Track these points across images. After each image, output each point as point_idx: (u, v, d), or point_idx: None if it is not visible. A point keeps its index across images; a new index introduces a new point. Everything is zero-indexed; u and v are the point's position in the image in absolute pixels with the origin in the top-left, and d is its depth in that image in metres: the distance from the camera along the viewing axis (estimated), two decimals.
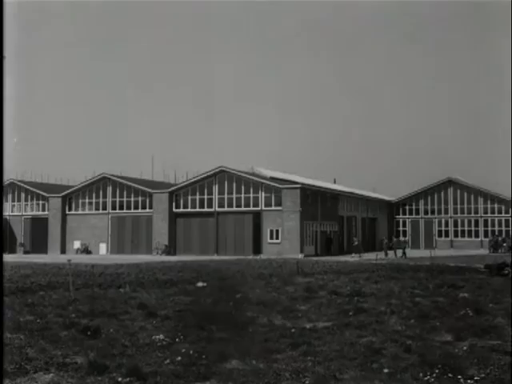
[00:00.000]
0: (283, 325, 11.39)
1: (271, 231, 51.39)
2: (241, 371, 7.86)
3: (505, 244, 57.36)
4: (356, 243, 51.95)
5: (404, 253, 46.54)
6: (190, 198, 54.72)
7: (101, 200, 58.04)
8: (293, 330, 10.72)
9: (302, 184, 53.86)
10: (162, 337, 9.91)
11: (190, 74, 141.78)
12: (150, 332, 10.53)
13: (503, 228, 67.66)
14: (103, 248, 56.53)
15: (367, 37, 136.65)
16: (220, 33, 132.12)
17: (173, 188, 55.82)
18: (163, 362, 8.34)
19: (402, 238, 53.60)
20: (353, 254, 49.29)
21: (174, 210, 54.96)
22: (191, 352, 8.85)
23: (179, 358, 8.48)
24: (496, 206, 68.99)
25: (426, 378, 7.44)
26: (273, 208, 51.55)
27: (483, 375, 7.60)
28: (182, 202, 55.07)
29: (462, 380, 7.40)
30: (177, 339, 9.83)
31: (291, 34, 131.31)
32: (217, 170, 53.42)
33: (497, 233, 65.91)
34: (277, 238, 51.07)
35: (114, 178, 57.64)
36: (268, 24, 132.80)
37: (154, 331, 10.59)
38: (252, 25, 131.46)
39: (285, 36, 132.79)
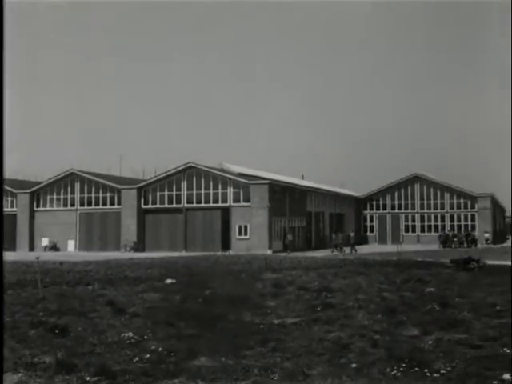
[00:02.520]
0: (252, 321, 11.42)
1: (240, 227, 51.39)
2: (210, 368, 7.87)
3: (455, 239, 58.17)
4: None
5: (353, 248, 47.14)
6: (158, 194, 54.46)
7: (69, 196, 57.41)
8: (261, 326, 10.75)
9: (271, 180, 53.99)
10: (130, 334, 9.86)
11: (159, 70, 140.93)
12: (118, 330, 10.46)
13: (469, 223, 68.68)
14: (71, 245, 55.93)
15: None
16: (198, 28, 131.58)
17: (141, 184, 55.46)
18: (132, 360, 8.31)
19: (351, 234, 53.71)
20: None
21: (143, 206, 54.66)
22: (160, 349, 8.83)
23: (148, 356, 8.46)
24: (462, 201, 69.97)
25: (392, 373, 7.53)
26: (241, 204, 51.56)
27: (449, 368, 7.72)
28: (150, 198, 54.79)
29: (428, 373, 7.50)
30: (145, 337, 9.80)
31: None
32: (185, 166, 53.23)
33: (449, 228, 66.83)
34: (245, 234, 51.11)
35: (82, 174, 57.06)
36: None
37: (122, 329, 10.53)
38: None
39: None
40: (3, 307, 7.22)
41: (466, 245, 57.54)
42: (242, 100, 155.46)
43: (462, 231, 64.28)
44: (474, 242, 58.23)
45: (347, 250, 46.42)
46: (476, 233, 65.87)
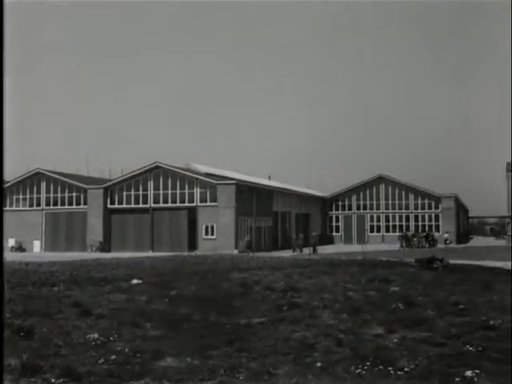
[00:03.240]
0: (218, 321, 11.40)
1: (206, 227, 51.30)
2: (176, 369, 7.85)
3: (415, 239, 58.85)
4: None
5: (314, 249, 47.47)
6: (125, 193, 54.08)
7: (35, 196, 56.68)
8: (228, 327, 10.75)
9: (237, 180, 53.99)
10: (96, 336, 9.79)
11: (126, 69, 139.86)
12: (84, 331, 10.37)
13: (433, 223, 69.62)
14: (37, 245, 55.19)
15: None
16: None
17: (107, 184, 54.99)
18: (97, 362, 8.25)
19: (313, 234, 54.02)
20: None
21: (109, 206, 54.23)
22: (126, 350, 8.78)
23: (114, 357, 8.41)
24: (426, 201, 70.89)
25: (357, 371, 7.61)
26: (208, 204, 51.47)
27: (413, 366, 7.83)
28: (116, 198, 54.38)
29: (392, 371, 7.59)
30: (111, 338, 9.73)
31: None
32: (152, 166, 52.97)
33: (409, 228, 67.62)
34: (212, 234, 51.04)
35: (48, 174, 56.37)
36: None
37: (88, 330, 10.44)
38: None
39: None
40: (3, 307, 7.11)
41: (425, 245, 58.10)
42: (210, 100, 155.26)
43: (427, 231, 65.02)
44: (434, 242, 58.89)
45: (307, 250, 46.55)
46: (440, 233, 66.78)
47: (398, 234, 64.63)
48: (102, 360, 8.31)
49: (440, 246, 57.24)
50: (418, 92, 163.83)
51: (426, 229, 68.19)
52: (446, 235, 64.40)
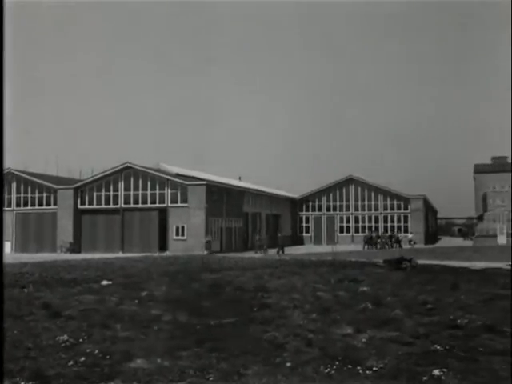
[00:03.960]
0: (188, 322, 11.39)
1: (177, 228, 51.16)
2: (145, 370, 7.83)
3: (379, 240, 59.39)
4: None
5: (281, 249, 47.68)
6: (95, 194, 53.69)
7: (5, 196, 55.89)
8: (198, 327, 10.74)
9: (208, 181, 53.92)
10: (65, 337, 9.71)
11: (97, 68, 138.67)
12: (54, 333, 10.27)
13: (402, 224, 70.33)
14: (7, 246, 54.41)
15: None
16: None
17: (78, 184, 54.52)
18: (67, 364, 8.18)
19: (278, 234, 54.25)
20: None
21: (80, 206, 53.76)
22: (96, 352, 8.73)
23: (83, 359, 8.36)
24: (395, 202, 71.57)
25: (326, 371, 7.66)
26: (179, 204, 51.34)
27: (381, 365, 7.91)
28: (87, 198, 53.94)
29: (361, 371, 7.66)
30: (81, 339, 9.66)
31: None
32: (122, 167, 52.65)
33: (373, 229, 68.26)
34: (182, 235, 50.90)
35: (18, 174, 55.71)
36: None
37: (57, 332, 10.35)
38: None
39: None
40: (3, 307, 7.03)
41: (390, 246, 58.57)
42: (180, 101, 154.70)
43: (391, 232, 65.65)
44: (398, 243, 59.45)
45: (269, 251, 46.73)
46: (409, 233, 67.47)
47: (361, 234, 65.18)
48: (71, 362, 8.25)
49: (405, 246, 57.73)
50: (388, 93, 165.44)
51: (395, 230, 68.88)
52: (411, 236, 65.07)
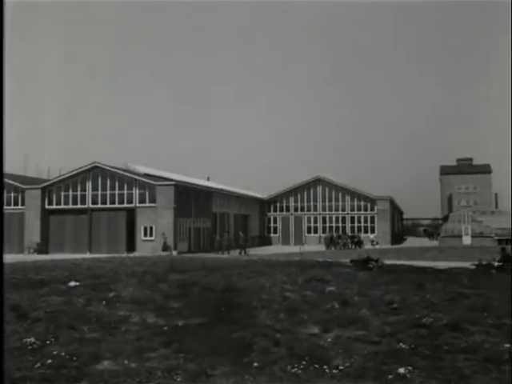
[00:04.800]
0: (156, 323, 11.37)
1: (145, 228, 50.91)
2: (112, 372, 7.80)
3: (340, 240, 59.87)
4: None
5: (243, 250, 47.85)
6: (63, 194, 53.12)
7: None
8: (165, 328, 10.72)
9: (176, 181, 53.76)
10: (32, 339, 9.62)
11: (64, 67, 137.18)
12: (20, 335, 10.16)
13: (368, 224, 70.96)
14: None
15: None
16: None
17: (45, 184, 53.87)
18: (34, 366, 8.11)
19: (240, 234, 54.35)
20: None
21: (47, 206, 53.14)
22: (62, 354, 8.67)
23: (50, 361, 8.29)
24: (362, 203, 72.18)
25: (293, 370, 7.72)
26: (147, 205, 51.09)
27: (348, 364, 7.99)
28: (55, 198, 53.35)
29: (327, 370, 7.73)
30: (48, 341, 9.58)
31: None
32: (90, 166, 52.20)
33: (334, 230, 68.88)
34: (151, 236, 50.67)
35: None
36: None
37: (24, 334, 10.24)
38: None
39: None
40: (3, 307, 6.92)
41: (352, 246, 59.05)
42: (147, 100, 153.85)
43: (352, 233, 66.28)
44: (360, 243, 59.97)
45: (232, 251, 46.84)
46: (375, 234, 68.13)
47: (321, 235, 65.68)
48: (38, 364, 8.18)
49: (367, 247, 58.17)
50: (355, 93, 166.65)
51: (362, 230, 69.53)
52: (372, 236, 65.63)
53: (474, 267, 22.19)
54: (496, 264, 21.53)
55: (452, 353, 8.61)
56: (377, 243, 61.93)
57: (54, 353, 8.77)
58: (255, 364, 8.06)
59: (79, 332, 10.42)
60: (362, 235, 65.22)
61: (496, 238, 60.60)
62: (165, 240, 49.48)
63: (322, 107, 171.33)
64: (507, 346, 8.82)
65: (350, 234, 65.03)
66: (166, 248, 48.24)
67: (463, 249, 48.16)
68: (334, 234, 62.92)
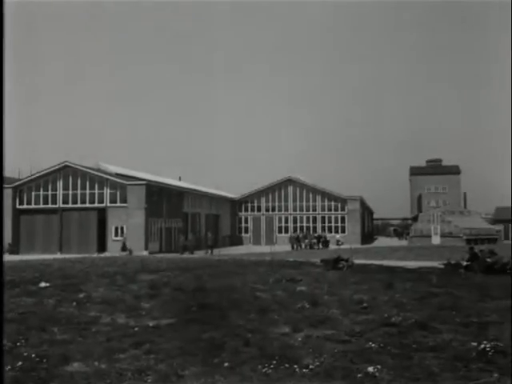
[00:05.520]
0: (126, 323, 11.33)
1: (116, 228, 50.60)
2: (82, 373, 7.76)
3: (306, 240, 60.19)
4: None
5: (210, 250, 47.97)
6: (33, 193, 52.54)
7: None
8: (136, 329, 10.69)
9: (148, 180, 53.54)
10: (4, 341, 9.49)
11: (31, 66, 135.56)
12: None
13: (339, 224, 71.41)
14: None
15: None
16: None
17: (16, 183, 53.21)
18: (4, 369, 8.01)
19: (208, 235, 54.36)
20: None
21: (18, 206, 52.48)
22: (33, 356, 8.59)
23: (20, 363, 8.21)
24: (333, 203, 72.61)
25: (263, 370, 7.75)
26: (118, 204, 50.82)
27: (317, 363, 8.03)
28: (25, 198, 52.74)
29: (297, 369, 7.78)
30: (18, 343, 9.48)
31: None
32: (61, 166, 51.71)
33: (299, 230, 69.32)
34: (122, 236, 50.37)
35: None
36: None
37: None
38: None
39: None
40: (3, 307, 6.82)
41: (318, 246, 59.35)
42: (119, 99, 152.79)
43: (318, 233, 66.71)
44: (325, 243, 60.31)
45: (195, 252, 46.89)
46: (346, 233, 68.63)
47: (286, 235, 65.97)
48: (8, 367, 8.10)
49: (332, 247, 58.50)
50: (328, 91, 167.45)
51: (333, 230, 69.99)
52: (338, 236, 66.05)
53: (442, 267, 22.45)
54: (464, 263, 21.80)
55: (421, 351, 8.71)
56: (342, 243, 62.20)
57: (25, 354, 8.70)
58: (226, 364, 8.07)
59: (49, 333, 10.34)
60: (329, 235, 65.58)
61: (465, 237, 61.34)
62: (124, 241, 49.31)
63: (291, 107, 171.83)
64: (475, 344, 8.95)
65: (315, 233, 65.27)
66: (124, 248, 48.07)
67: (432, 248, 48.68)
68: (300, 234, 63.20)
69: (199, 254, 44.91)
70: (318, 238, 61.66)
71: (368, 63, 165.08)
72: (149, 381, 7.46)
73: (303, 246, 58.77)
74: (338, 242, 62.13)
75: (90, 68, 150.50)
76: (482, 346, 8.75)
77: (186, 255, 44.76)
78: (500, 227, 75.48)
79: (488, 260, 21.42)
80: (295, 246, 58.10)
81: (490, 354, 8.38)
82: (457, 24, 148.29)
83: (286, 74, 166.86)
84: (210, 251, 48.14)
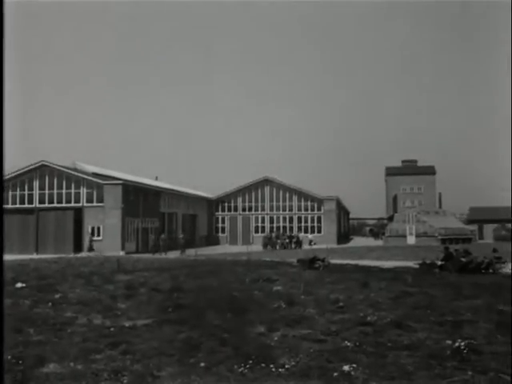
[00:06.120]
0: (103, 324, 11.29)
1: (92, 228, 50.28)
2: (58, 374, 7.72)
3: (279, 241, 60.37)
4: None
5: (183, 250, 47.99)
6: (10, 193, 51.94)
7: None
8: (112, 329, 10.65)
9: (124, 180, 53.29)
10: None
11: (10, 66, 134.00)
12: None
13: (315, 224, 71.66)
14: None
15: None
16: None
17: None
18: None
19: (180, 235, 54.26)
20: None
21: None
22: (8, 357, 8.52)
23: None
24: (309, 203, 72.85)
25: (240, 370, 7.77)
26: (94, 204, 50.51)
27: (293, 363, 8.07)
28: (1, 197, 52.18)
29: (273, 369, 7.81)
30: None
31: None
32: (37, 165, 51.25)
33: (275, 229, 69.56)
34: (98, 236, 50.10)
35: None
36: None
37: None
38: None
39: None
40: (3, 308, 6.73)
41: (289, 246, 59.54)
42: (95, 98, 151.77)
43: (291, 233, 66.98)
44: (298, 243, 60.50)
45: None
46: (322, 233, 68.96)
47: (263, 234, 66.11)
48: None
49: (305, 246, 58.70)
50: (303, 91, 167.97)
51: (309, 230, 70.29)
52: (310, 236, 66.26)
53: (417, 266, 22.60)
54: (439, 263, 21.99)
55: (396, 350, 8.78)
56: (315, 243, 62.37)
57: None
58: (202, 364, 8.08)
59: (25, 335, 10.27)
60: (302, 235, 65.83)
61: (440, 237, 61.89)
62: (90, 240, 49.08)
63: (270, 107, 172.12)
64: (449, 342, 9.05)
65: (288, 234, 65.46)
66: (91, 248, 47.86)
67: (407, 248, 49.06)
68: (273, 234, 63.37)
69: (175, 255, 44.75)
70: (291, 238, 61.85)
71: (352, 63, 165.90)
72: (125, 381, 7.45)
73: (276, 246, 58.91)
74: (310, 242, 62.24)
75: (62, 67, 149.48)
76: (457, 344, 8.84)
77: (159, 255, 44.43)
78: (474, 227, 76.24)
79: (463, 259, 21.63)
80: (267, 246, 58.23)
81: (464, 352, 8.48)
82: (457, 24, 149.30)
83: (262, 75, 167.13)
84: (182, 251, 48.03)
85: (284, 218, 73.02)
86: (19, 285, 18.13)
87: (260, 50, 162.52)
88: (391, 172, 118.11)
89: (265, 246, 58.69)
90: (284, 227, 71.50)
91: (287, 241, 60.69)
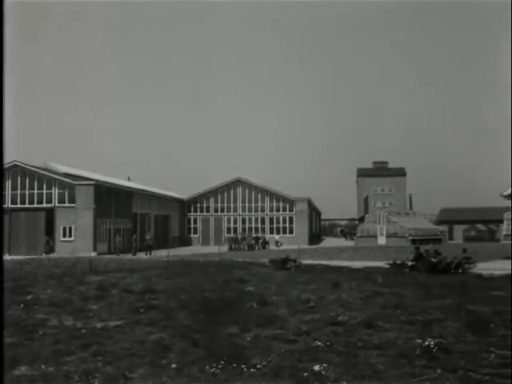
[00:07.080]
0: (74, 325, 11.23)
1: (64, 229, 49.85)
2: (29, 377, 7.68)
3: (245, 241, 60.51)
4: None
5: (149, 250, 47.90)
6: None
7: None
8: (83, 331, 10.61)
9: (96, 180, 52.87)
10: None
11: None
12: None
13: (287, 225, 71.87)
14: None
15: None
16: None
17: None
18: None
19: (147, 236, 54.02)
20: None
21: None
22: None
23: None
24: (281, 204, 73.02)
25: (211, 370, 7.80)
26: (66, 205, 50.07)
27: (265, 363, 8.12)
28: None
29: (245, 369, 7.85)
30: None
31: None
32: (9, 165, 50.60)
33: (254, 230, 69.74)
34: (70, 236, 49.71)
35: None
36: None
37: None
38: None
39: None
40: (3, 308, 6.65)
41: (258, 247, 59.69)
42: (69, 98, 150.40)
43: (274, 233, 67.16)
44: (265, 244, 60.66)
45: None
46: (294, 234, 69.26)
47: (255, 235, 66.08)
48: None
49: (272, 247, 58.87)
50: (277, 92, 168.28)
51: (281, 230, 70.52)
52: (277, 237, 66.39)
53: (388, 266, 22.81)
54: (410, 263, 22.20)
55: (366, 349, 8.88)
56: (281, 244, 62.44)
57: None
58: (173, 365, 8.09)
59: None
60: (269, 236, 66.09)
61: (410, 238, 62.42)
62: (47, 240, 48.67)
63: (244, 108, 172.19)
64: (419, 341, 9.18)
65: (254, 235, 65.58)
66: (50, 250, 47.50)
67: (378, 248, 49.42)
68: (239, 235, 63.49)
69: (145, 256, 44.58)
70: (257, 239, 61.95)
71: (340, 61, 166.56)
72: (96, 383, 7.43)
73: (242, 246, 58.99)
74: (277, 243, 62.32)
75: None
76: (426, 343, 8.97)
77: (117, 256, 43.96)
78: (444, 228, 77.04)
79: (433, 260, 21.85)
80: (233, 247, 58.27)
81: (433, 350, 8.61)
82: (456, 24, 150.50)
83: (242, 73, 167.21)
84: (149, 252, 47.71)
85: (256, 219, 73.07)
86: None
87: (239, 48, 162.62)
88: (362, 173, 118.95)
89: (230, 246, 58.66)
90: (256, 228, 71.53)
91: (253, 242, 60.75)
